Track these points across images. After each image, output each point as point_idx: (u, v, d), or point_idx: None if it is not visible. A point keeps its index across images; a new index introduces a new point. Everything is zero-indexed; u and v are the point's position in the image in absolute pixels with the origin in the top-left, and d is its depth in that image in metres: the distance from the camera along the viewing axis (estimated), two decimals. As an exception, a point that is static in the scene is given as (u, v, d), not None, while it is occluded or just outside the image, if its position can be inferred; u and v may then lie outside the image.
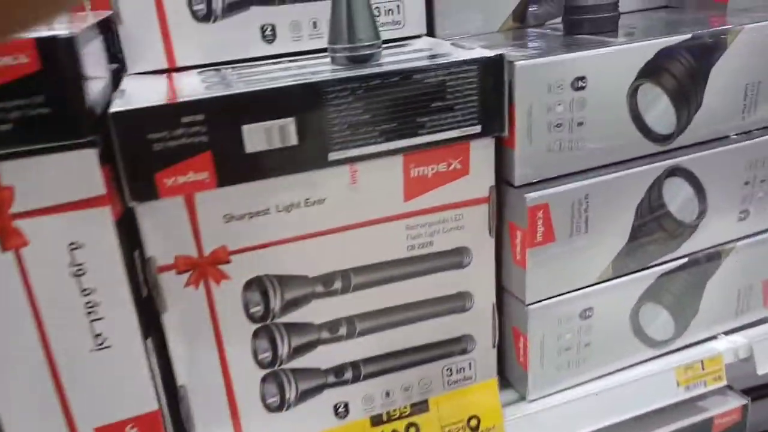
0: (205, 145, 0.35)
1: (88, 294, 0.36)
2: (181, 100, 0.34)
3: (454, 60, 0.38)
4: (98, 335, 0.37)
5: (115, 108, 0.33)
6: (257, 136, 0.36)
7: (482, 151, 0.42)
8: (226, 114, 0.35)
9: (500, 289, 0.49)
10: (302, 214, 0.41)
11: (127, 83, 0.40)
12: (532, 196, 0.43)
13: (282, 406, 0.46)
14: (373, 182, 0.41)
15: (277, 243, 0.41)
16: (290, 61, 0.45)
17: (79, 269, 0.35)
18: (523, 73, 0.40)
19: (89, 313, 0.36)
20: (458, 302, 0.48)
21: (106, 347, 0.38)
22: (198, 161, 0.35)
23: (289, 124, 0.36)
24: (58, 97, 0.31)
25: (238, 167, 0.37)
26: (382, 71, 0.37)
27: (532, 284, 0.46)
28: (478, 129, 0.41)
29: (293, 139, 0.37)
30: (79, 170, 0.33)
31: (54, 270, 0.35)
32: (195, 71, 0.43)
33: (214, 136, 0.35)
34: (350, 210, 0.42)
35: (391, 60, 0.41)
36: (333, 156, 0.39)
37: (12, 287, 0.34)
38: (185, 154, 0.35)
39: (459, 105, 0.39)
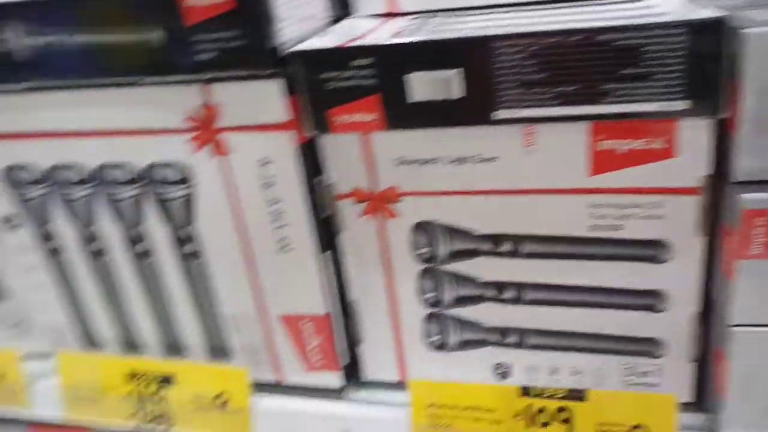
0: (374, 89, 0.37)
1: (274, 204, 0.43)
2: (352, 45, 0.36)
3: (652, 22, 0.31)
4: (282, 239, 0.44)
5: (296, 48, 0.37)
6: (422, 86, 0.36)
7: (695, 133, 0.34)
8: (394, 61, 0.36)
9: (711, 300, 0.41)
10: (472, 170, 0.40)
11: (338, 25, 0.44)
12: (753, 197, 0.33)
13: (443, 347, 0.48)
14: (551, 149, 0.38)
15: (445, 193, 0.41)
16: (505, 11, 0.42)
17: (268, 182, 0.42)
18: (758, 42, 0.30)
19: (275, 220, 0.43)
20: (648, 300, 0.41)
21: (289, 250, 0.45)
22: (366, 103, 0.37)
23: (455, 76, 0.35)
24: (251, 32, 0.36)
25: (404, 114, 0.38)
26: (559, 29, 0.33)
27: (740, 303, 0.37)
28: (685, 105, 0.33)
29: (458, 92, 0.36)
30: (269, 97, 0.39)
31: (248, 179, 0.42)
32: (408, 17, 0.44)
33: (382, 81, 0.37)
34: (524, 174, 0.39)
35: (598, 16, 0.35)
36: (501, 114, 0.36)
37: (219, 188, 0.43)
38: (355, 95, 0.37)
39: (659, 75, 0.32)
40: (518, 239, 0.42)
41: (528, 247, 0.42)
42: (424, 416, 0.47)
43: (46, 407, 0.57)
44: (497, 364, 0.47)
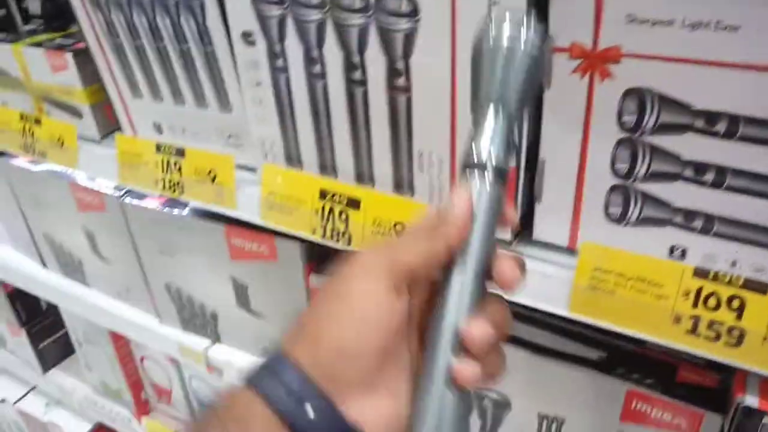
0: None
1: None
2: None
3: None
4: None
5: None
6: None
7: None
8: None
9: None
10: (708, 38, 0.39)
11: None
12: None
13: (621, 220, 0.49)
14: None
15: (672, 60, 0.41)
16: None
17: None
18: None
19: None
20: None
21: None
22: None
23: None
24: None
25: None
26: None
27: None
28: None
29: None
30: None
31: (474, 18, 0.44)
32: None
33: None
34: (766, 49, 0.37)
35: None
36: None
37: (443, 24, 0.46)
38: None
39: None
40: (737, 120, 0.41)
41: (745, 130, 0.41)
42: (587, 278, 0.49)
43: (246, 210, 0.67)
44: (674, 246, 0.48)
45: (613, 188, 0.48)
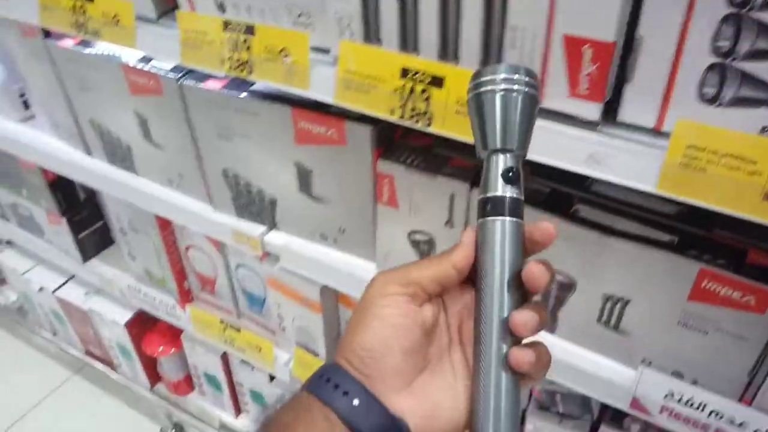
0: None
1: None
2: None
3: None
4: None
5: None
6: None
7: None
8: None
9: None
10: None
11: None
12: None
13: (714, 100, 0.49)
14: None
15: None
16: None
17: None
18: None
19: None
20: None
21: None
22: None
23: None
24: None
25: None
26: None
27: None
28: None
29: None
30: None
31: None
32: None
33: None
34: None
35: None
36: None
37: None
38: None
39: None
40: None
41: None
42: (680, 155, 0.50)
43: (319, 91, 0.66)
44: (766, 126, 0.48)
45: (710, 67, 0.48)
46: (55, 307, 1.51)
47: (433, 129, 0.60)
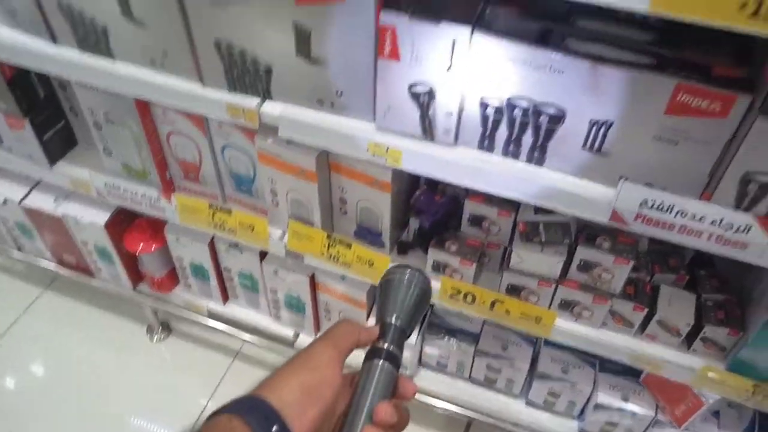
0: None
1: None
2: None
3: None
4: None
5: None
6: None
7: None
8: None
9: None
10: None
11: None
12: None
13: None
14: None
15: None
16: None
17: None
18: None
19: None
20: None
21: None
22: None
23: None
24: None
25: None
26: None
27: None
28: None
29: None
30: None
31: None
32: None
33: None
34: None
35: None
36: None
37: None
38: None
39: None
40: None
41: None
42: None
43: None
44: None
45: None
46: (21, 219, 1.48)
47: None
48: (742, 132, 0.68)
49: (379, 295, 0.60)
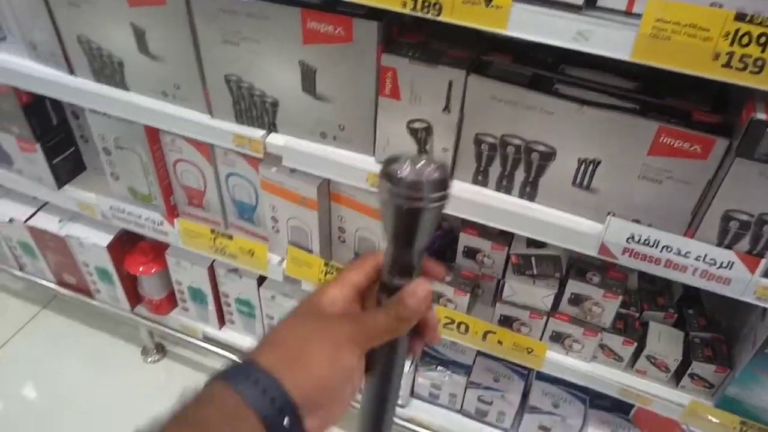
0: None
1: None
2: None
3: None
4: None
5: None
6: None
7: None
8: None
9: None
10: None
11: None
12: None
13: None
14: None
15: None
16: None
17: None
18: None
19: None
20: None
21: None
22: None
23: None
24: None
25: None
26: None
27: None
28: None
29: None
30: None
31: None
32: None
33: None
34: None
35: None
36: None
37: None
38: None
39: None
40: None
41: None
42: (650, 27, 0.62)
43: (330, -11, 0.74)
44: (713, 2, 0.61)
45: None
46: (25, 238, 1.51)
47: (443, 18, 0.70)
48: (721, 173, 0.72)
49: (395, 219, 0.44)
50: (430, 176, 0.41)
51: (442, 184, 0.42)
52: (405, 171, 0.41)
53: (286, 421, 0.38)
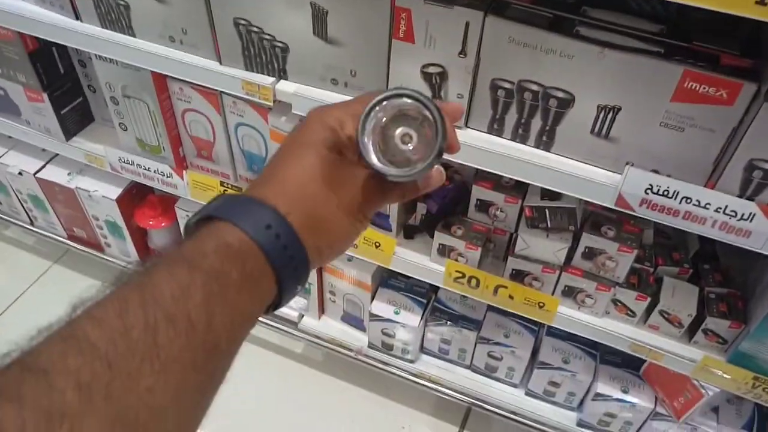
0: None
1: None
2: None
3: None
4: None
5: None
6: None
7: None
8: None
9: None
10: None
11: None
12: None
13: None
14: None
15: None
16: None
17: None
18: None
19: None
20: None
21: None
22: None
23: None
24: None
25: None
26: None
27: None
28: None
29: None
30: None
31: None
32: None
33: None
34: None
35: None
36: None
37: None
38: None
39: None
40: None
41: None
42: (680, -38, 0.59)
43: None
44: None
45: None
46: (35, 191, 1.51)
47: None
48: (747, 119, 0.69)
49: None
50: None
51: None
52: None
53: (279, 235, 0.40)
